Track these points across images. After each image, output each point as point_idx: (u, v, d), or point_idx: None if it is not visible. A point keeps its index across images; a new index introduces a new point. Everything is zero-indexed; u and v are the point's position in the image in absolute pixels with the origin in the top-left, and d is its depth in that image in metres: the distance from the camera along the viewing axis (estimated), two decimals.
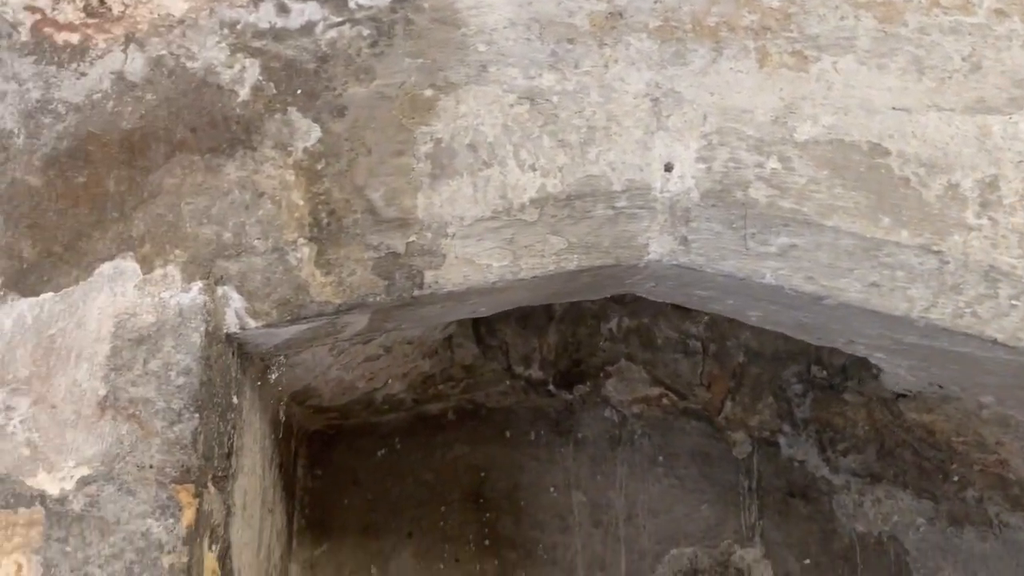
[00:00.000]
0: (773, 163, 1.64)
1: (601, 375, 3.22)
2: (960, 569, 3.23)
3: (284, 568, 2.86)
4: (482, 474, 3.06)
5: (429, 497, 3.03)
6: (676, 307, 3.31)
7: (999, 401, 2.07)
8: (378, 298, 1.60)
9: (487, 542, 3.00)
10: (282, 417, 2.20)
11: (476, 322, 3.16)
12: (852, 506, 3.27)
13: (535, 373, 3.13)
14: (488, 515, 3.02)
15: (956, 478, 3.16)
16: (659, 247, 1.66)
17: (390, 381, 2.88)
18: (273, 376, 1.85)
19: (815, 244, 1.66)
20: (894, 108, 1.66)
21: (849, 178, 1.66)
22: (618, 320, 3.28)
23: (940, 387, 2.81)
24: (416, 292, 1.61)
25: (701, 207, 1.63)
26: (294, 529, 3.03)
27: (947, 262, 1.65)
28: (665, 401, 3.19)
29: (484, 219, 1.60)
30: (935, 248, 1.65)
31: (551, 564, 3.05)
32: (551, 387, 3.19)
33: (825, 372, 3.32)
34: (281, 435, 2.44)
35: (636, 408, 3.19)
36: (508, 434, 3.11)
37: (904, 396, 3.14)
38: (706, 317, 3.33)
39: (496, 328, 3.21)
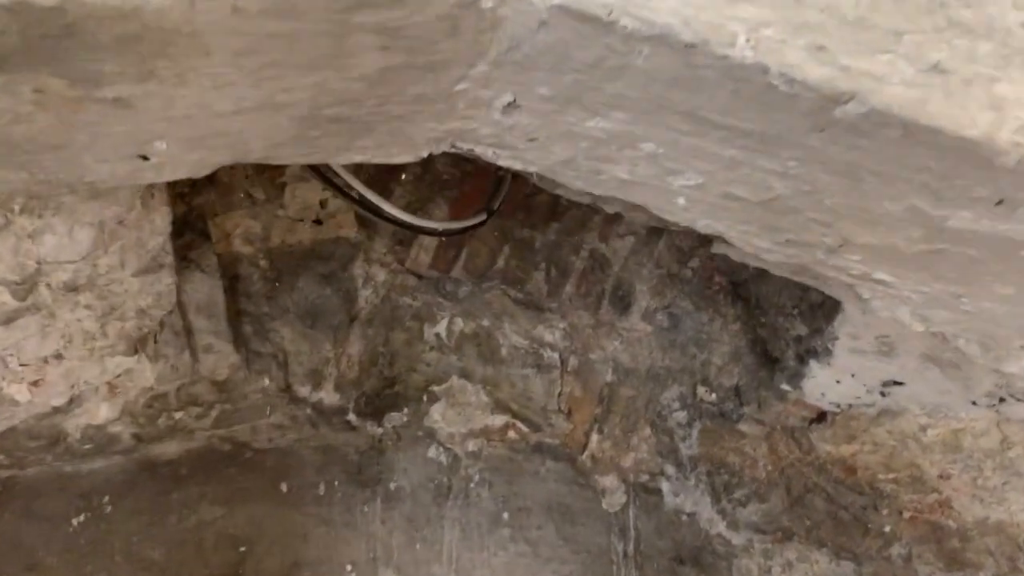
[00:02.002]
0: None
1: (424, 399, 2.19)
2: None
3: None
4: (242, 549, 1.96)
5: None
6: (526, 306, 2.36)
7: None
8: None
9: None
10: None
11: (237, 314, 2.07)
12: (757, 573, 2.37)
13: (328, 396, 2.04)
14: None
15: (888, 528, 2.35)
16: None
17: (81, 388, 1.70)
18: None
19: None
20: None
21: None
22: (448, 322, 2.30)
23: (882, 393, 2.02)
24: None
25: None
26: None
27: None
28: (512, 434, 2.21)
29: None
30: None
31: None
32: (352, 417, 2.11)
33: (714, 395, 2.49)
34: None
35: (472, 445, 2.19)
36: (284, 487, 2.03)
37: (819, 422, 2.34)
38: (563, 324, 2.41)
39: (268, 328, 2.13)
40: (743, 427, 2.43)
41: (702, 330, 2.48)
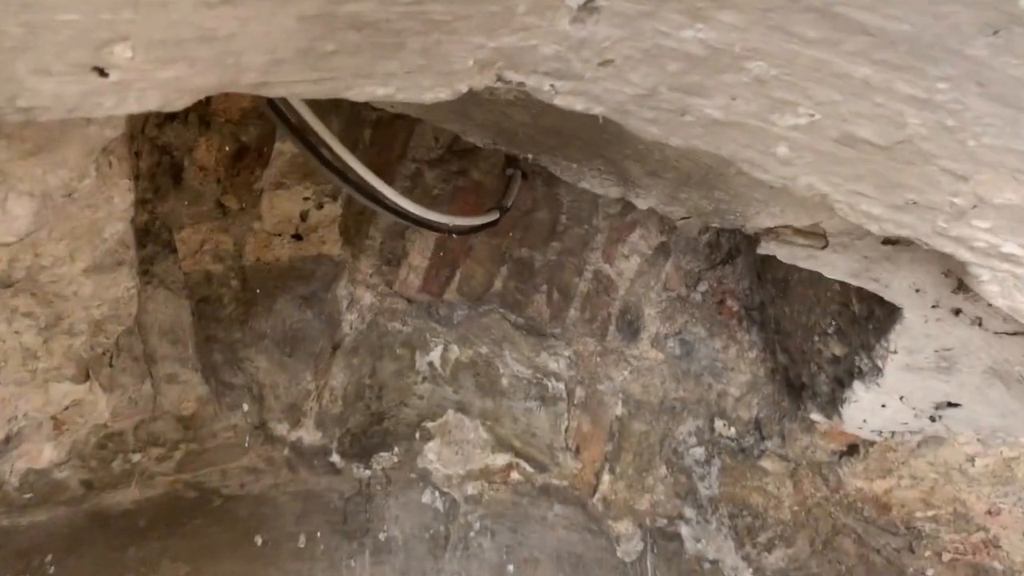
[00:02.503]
0: None
1: (417, 436, 1.94)
2: None
3: None
4: None
5: None
6: (528, 331, 2.13)
7: None
8: None
9: None
10: None
11: (206, 340, 1.80)
12: None
13: (308, 435, 1.78)
14: None
15: (928, 572, 2.12)
16: None
17: (20, 423, 1.41)
18: None
19: None
20: None
21: None
22: (442, 349, 2.06)
23: (932, 418, 1.81)
24: None
25: None
26: None
27: None
28: (515, 475, 1.96)
29: None
30: None
31: None
32: (335, 458, 1.85)
33: (732, 428, 2.27)
34: None
35: (471, 488, 1.93)
36: (259, 540, 1.76)
37: (850, 455, 2.13)
38: (568, 351, 2.18)
39: (241, 356, 1.86)
40: (765, 463, 2.20)
41: (716, 358, 2.26)
